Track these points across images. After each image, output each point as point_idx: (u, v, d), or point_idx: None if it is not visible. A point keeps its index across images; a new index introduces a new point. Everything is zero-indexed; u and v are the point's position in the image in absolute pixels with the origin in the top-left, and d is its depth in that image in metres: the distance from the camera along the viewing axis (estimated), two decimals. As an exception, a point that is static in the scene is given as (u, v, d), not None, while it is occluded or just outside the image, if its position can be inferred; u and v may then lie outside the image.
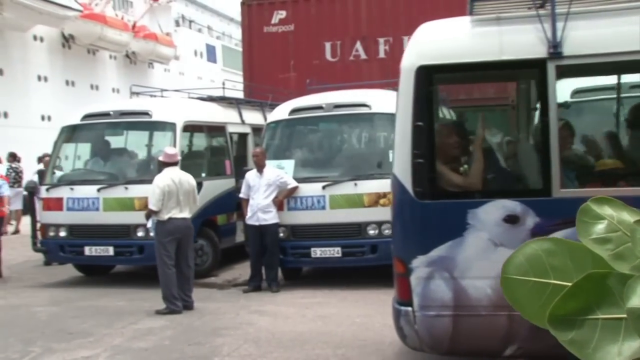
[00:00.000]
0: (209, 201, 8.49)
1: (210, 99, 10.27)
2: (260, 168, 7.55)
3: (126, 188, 7.96)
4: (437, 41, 4.16)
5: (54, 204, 8.27)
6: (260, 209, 7.47)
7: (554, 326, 0.75)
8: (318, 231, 7.51)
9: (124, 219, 7.89)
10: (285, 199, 7.54)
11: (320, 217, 7.48)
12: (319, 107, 7.99)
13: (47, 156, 10.25)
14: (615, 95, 5.34)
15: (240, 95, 13.48)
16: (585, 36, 3.85)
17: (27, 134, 19.20)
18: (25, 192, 11.14)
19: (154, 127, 8.74)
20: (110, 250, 8.04)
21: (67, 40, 23.66)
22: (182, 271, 6.72)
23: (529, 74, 4.59)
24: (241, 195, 7.77)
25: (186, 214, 6.71)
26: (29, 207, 10.49)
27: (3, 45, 20.52)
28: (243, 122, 9.79)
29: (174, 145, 7.78)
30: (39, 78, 22.36)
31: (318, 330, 5.82)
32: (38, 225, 8.66)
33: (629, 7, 3.88)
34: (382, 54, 12.92)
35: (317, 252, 7.50)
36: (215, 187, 8.73)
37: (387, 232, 7.34)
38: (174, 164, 6.79)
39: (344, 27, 12.96)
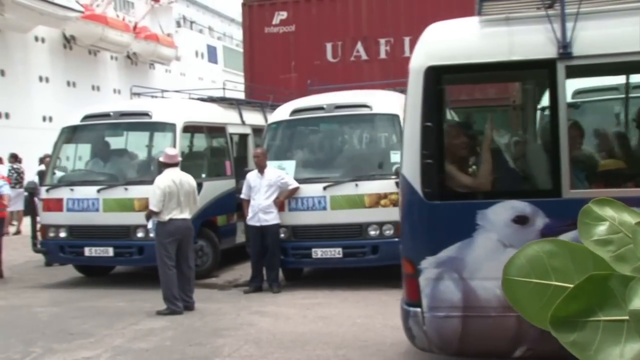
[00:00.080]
0: (209, 202, 8.49)
1: (211, 99, 10.27)
2: (261, 169, 7.55)
3: (126, 189, 7.96)
4: (446, 41, 4.14)
5: (54, 205, 8.27)
6: (261, 209, 7.46)
7: (555, 328, 0.75)
8: (319, 232, 7.51)
9: (123, 219, 7.89)
10: (286, 199, 7.54)
11: (321, 217, 7.47)
12: (320, 108, 7.99)
13: (49, 157, 10.25)
14: (624, 95, 5.33)
15: (241, 96, 13.48)
16: (595, 36, 3.84)
17: (29, 134, 19.24)
18: (26, 193, 11.14)
19: (153, 127, 8.74)
20: (110, 251, 8.04)
21: (69, 41, 23.70)
22: (182, 272, 6.72)
23: (538, 75, 4.57)
24: (242, 196, 7.77)
25: (186, 214, 6.71)
26: (29, 208, 10.50)
27: (4, 46, 20.55)
28: (243, 123, 9.79)
29: (174, 146, 7.78)
30: (40, 79, 22.39)
31: (319, 331, 5.82)
32: (38, 226, 8.67)
33: (638, 7, 3.86)
34: (383, 55, 12.92)
35: (318, 253, 7.50)
36: (215, 187, 8.73)
37: (388, 232, 7.35)
38: (175, 164, 6.79)
39: (344, 28, 12.97)
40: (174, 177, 6.67)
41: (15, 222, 13.55)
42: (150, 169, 8.18)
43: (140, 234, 7.87)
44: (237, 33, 32.16)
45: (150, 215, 6.71)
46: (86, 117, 8.67)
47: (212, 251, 8.59)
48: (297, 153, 8.10)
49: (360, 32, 12.93)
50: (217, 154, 9.38)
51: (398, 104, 8.04)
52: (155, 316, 6.53)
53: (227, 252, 9.14)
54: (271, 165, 7.64)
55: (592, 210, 0.86)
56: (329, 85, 9.84)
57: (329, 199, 7.45)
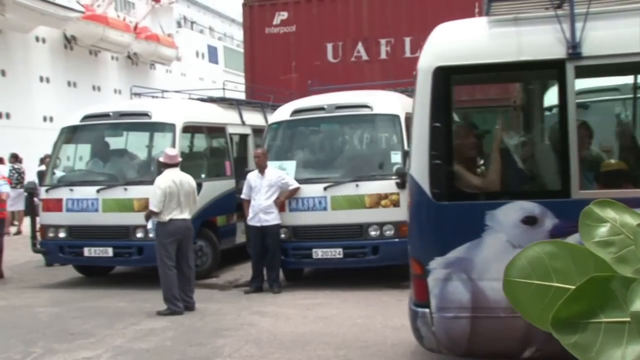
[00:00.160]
0: (209, 202, 8.48)
1: (211, 99, 10.27)
2: (261, 169, 7.55)
3: (125, 189, 7.95)
4: (455, 42, 4.13)
5: (54, 205, 8.27)
6: (262, 209, 7.46)
7: (557, 329, 0.75)
8: (319, 232, 7.51)
9: (123, 220, 7.88)
10: (286, 200, 7.54)
11: (321, 218, 7.47)
12: (321, 108, 7.99)
13: (49, 157, 10.26)
14: (632, 95, 5.32)
15: (242, 96, 13.48)
16: (604, 36, 3.82)
17: (29, 135, 19.25)
18: (26, 193, 11.15)
19: (153, 128, 8.73)
20: (110, 252, 8.03)
21: (69, 41, 23.72)
22: (182, 272, 6.72)
23: (547, 75, 4.55)
24: (242, 196, 7.77)
25: (186, 215, 6.71)
26: (28, 208, 10.50)
27: (5, 46, 20.56)
28: (243, 123, 9.78)
29: (174, 146, 7.77)
30: (41, 79, 22.41)
31: (319, 331, 5.82)
32: (38, 226, 8.67)
33: None
34: (383, 55, 12.91)
35: (318, 253, 7.49)
36: (215, 188, 8.72)
37: (388, 233, 7.35)
38: (175, 165, 6.79)
39: (345, 28, 12.96)
40: (174, 178, 6.67)
41: (16, 222, 13.55)
42: (149, 170, 8.18)
43: (139, 234, 7.87)
44: (238, 33, 32.17)
45: (149, 215, 6.71)
46: (86, 117, 8.66)
47: (211, 251, 8.58)
48: (297, 153, 8.10)
49: (361, 33, 12.93)
50: (217, 154, 9.38)
51: (399, 105, 8.04)
52: (155, 316, 6.53)
53: (227, 253, 9.14)
54: (272, 166, 7.64)
55: (593, 212, 0.86)
56: (329, 86, 9.84)
57: (330, 200, 7.45)
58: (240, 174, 8.69)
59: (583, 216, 0.86)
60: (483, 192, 4.12)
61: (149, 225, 7.13)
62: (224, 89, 11.57)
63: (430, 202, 3.92)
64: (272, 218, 7.47)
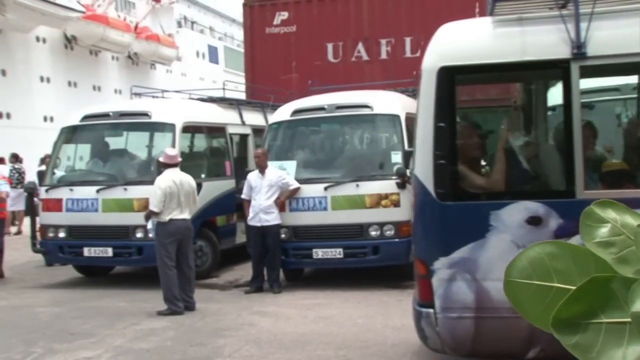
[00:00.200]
0: (209, 202, 8.48)
1: (211, 99, 10.26)
2: (262, 169, 7.55)
3: (125, 189, 7.95)
4: (459, 42, 4.12)
5: (53, 205, 8.27)
6: (262, 209, 7.46)
7: (557, 330, 0.74)
8: (320, 232, 7.51)
9: (123, 220, 7.88)
10: (287, 200, 7.54)
11: (322, 218, 7.47)
12: (321, 108, 7.99)
13: (49, 157, 10.26)
14: (637, 95, 5.31)
15: (242, 96, 13.48)
16: (609, 36, 3.81)
17: (30, 134, 19.25)
18: (25, 193, 11.15)
19: (153, 127, 8.73)
20: (109, 252, 8.03)
21: (70, 41, 23.73)
22: (183, 272, 6.72)
23: (552, 75, 4.54)
24: (243, 196, 7.77)
25: (186, 215, 6.71)
26: (28, 208, 10.50)
27: (6, 46, 20.57)
28: (243, 123, 9.78)
29: (174, 146, 7.77)
30: (42, 79, 22.42)
31: (320, 331, 5.82)
32: (37, 226, 8.67)
33: None
34: (384, 55, 12.91)
35: (318, 253, 7.49)
36: (215, 188, 8.72)
37: (388, 233, 7.34)
38: (175, 165, 6.79)
39: (345, 28, 12.96)
40: (175, 178, 6.67)
41: (17, 222, 13.56)
42: (149, 170, 8.17)
43: (139, 234, 7.86)
44: (238, 33, 32.19)
45: (149, 215, 6.71)
46: (86, 117, 8.66)
47: (211, 251, 8.58)
48: (298, 153, 8.10)
49: (361, 33, 12.93)
50: (216, 154, 9.38)
51: (399, 105, 8.04)
52: (156, 316, 6.53)
53: (228, 253, 9.14)
54: (272, 166, 7.64)
55: (594, 212, 0.86)
56: (330, 86, 9.84)
57: (330, 200, 7.45)
58: (240, 174, 8.69)
59: (584, 217, 0.86)
60: (487, 192, 4.12)
61: (149, 225, 7.13)
62: (223, 89, 11.57)
63: (435, 202, 3.91)
64: (272, 218, 7.47)
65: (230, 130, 9.42)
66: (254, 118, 10.17)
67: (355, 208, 7.38)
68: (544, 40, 3.91)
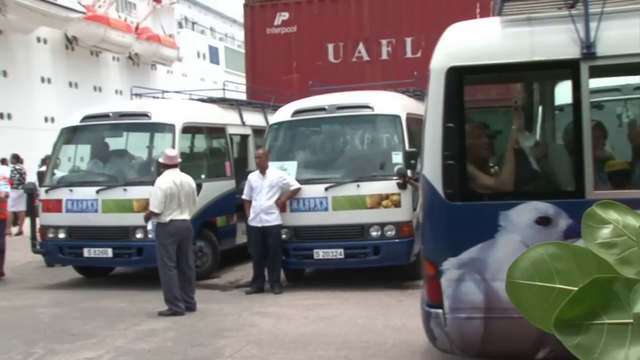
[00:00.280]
0: (209, 203, 8.47)
1: (211, 100, 10.26)
2: (262, 169, 7.55)
3: (125, 190, 7.94)
4: (468, 42, 4.10)
5: (53, 206, 8.27)
6: (263, 210, 7.46)
7: (559, 331, 0.74)
8: (320, 232, 7.51)
9: (122, 220, 7.87)
10: (287, 200, 7.54)
11: (322, 218, 7.47)
12: (322, 109, 7.99)
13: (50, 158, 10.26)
14: None
15: (243, 96, 13.48)
16: (619, 36, 3.80)
17: (31, 135, 19.27)
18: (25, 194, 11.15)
19: (153, 128, 8.72)
20: (109, 252, 8.02)
21: (71, 42, 23.75)
22: (183, 272, 6.72)
23: (561, 75, 4.52)
24: (244, 196, 7.77)
25: (186, 215, 6.71)
26: (28, 209, 10.50)
27: (7, 47, 20.60)
28: (243, 124, 9.78)
29: (173, 147, 7.76)
30: (43, 80, 22.44)
31: (320, 331, 5.82)
32: (37, 226, 8.66)
33: None
34: (384, 56, 12.91)
35: (319, 254, 7.49)
36: (215, 188, 8.71)
37: (389, 233, 7.34)
38: (174, 165, 6.78)
39: (346, 29, 12.96)
40: (175, 178, 6.67)
41: (18, 223, 13.57)
42: (149, 170, 8.17)
43: (139, 235, 7.86)
44: (239, 34, 32.20)
45: (149, 216, 6.70)
46: (85, 118, 8.66)
47: (211, 252, 8.57)
48: (298, 154, 8.10)
49: (362, 33, 12.93)
50: (216, 155, 9.37)
51: (400, 105, 8.04)
52: (156, 317, 6.53)
53: (228, 253, 9.14)
54: (273, 166, 7.64)
55: (595, 213, 0.86)
56: (330, 86, 9.84)
57: (331, 200, 7.45)
58: (240, 174, 8.68)
59: (586, 217, 0.86)
60: (496, 193, 4.11)
61: (149, 226, 7.13)
62: (223, 89, 11.56)
63: (443, 203, 3.90)
64: (273, 218, 7.47)
65: (231, 130, 9.42)
66: (254, 118, 10.17)
67: (356, 208, 7.38)
68: (553, 40, 3.89)
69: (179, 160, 6.94)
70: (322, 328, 5.94)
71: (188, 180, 6.79)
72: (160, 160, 6.89)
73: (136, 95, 10.65)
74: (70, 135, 8.87)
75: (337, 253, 7.45)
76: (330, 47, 13.07)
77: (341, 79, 11.82)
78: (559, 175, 4.34)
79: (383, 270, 7.75)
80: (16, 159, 13.97)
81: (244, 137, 9.89)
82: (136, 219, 7.49)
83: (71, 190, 8.17)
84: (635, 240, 0.81)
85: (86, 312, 6.95)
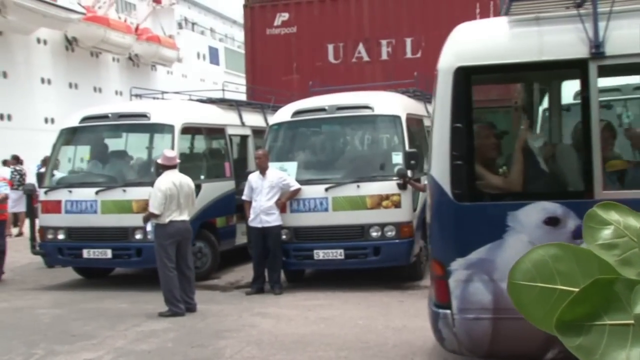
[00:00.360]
0: (208, 203, 8.46)
1: (210, 101, 10.25)
2: (262, 170, 7.55)
3: (124, 190, 7.94)
4: (476, 42, 4.09)
5: (53, 207, 8.26)
6: (263, 211, 7.46)
7: (561, 332, 0.74)
8: (321, 233, 7.51)
9: (122, 221, 7.86)
10: (287, 201, 7.54)
11: (323, 219, 7.47)
12: (322, 109, 7.99)
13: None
14: None
15: (243, 97, 13.49)
16: (627, 35, 3.78)
17: (31, 136, 19.27)
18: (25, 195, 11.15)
19: (152, 129, 8.71)
20: (109, 253, 8.01)
21: (71, 42, 23.75)
22: (183, 273, 6.72)
23: (569, 75, 4.50)
24: (244, 197, 7.77)
25: (185, 216, 6.71)
26: (28, 210, 10.50)
27: (7, 48, 20.60)
28: (243, 124, 9.77)
29: (173, 148, 7.76)
30: (43, 81, 22.44)
31: (321, 332, 5.82)
32: (37, 227, 8.66)
33: None
34: (384, 56, 12.91)
35: (319, 254, 7.49)
36: (215, 189, 8.71)
37: (389, 234, 7.34)
38: (173, 166, 6.78)
39: (346, 29, 12.96)
40: (174, 179, 6.67)
41: (19, 224, 13.57)
42: (148, 171, 8.16)
43: (138, 236, 7.85)
44: (239, 34, 32.20)
45: (148, 217, 6.70)
46: (85, 119, 8.65)
47: (211, 253, 8.57)
48: (298, 154, 8.10)
49: (362, 34, 12.93)
50: (216, 156, 9.36)
51: (400, 105, 8.05)
52: (157, 318, 6.53)
53: (228, 254, 9.13)
54: (273, 167, 7.64)
55: (597, 214, 0.86)
56: (330, 87, 9.84)
57: (331, 201, 7.45)
58: (240, 175, 8.68)
59: (587, 219, 0.86)
60: (505, 193, 4.09)
61: (148, 227, 7.12)
62: (223, 90, 11.55)
63: (451, 203, 3.89)
64: (273, 219, 7.47)
65: (230, 131, 9.41)
66: (254, 119, 10.16)
67: (356, 209, 7.38)
68: (561, 40, 3.87)
69: (178, 161, 6.94)
70: (322, 329, 5.94)
71: (187, 181, 6.79)
72: (159, 161, 6.88)
73: (135, 96, 10.65)
74: (69, 136, 8.86)
75: (337, 254, 7.45)
76: (330, 47, 13.07)
77: (341, 79, 11.82)
78: (567, 175, 4.32)
79: (383, 271, 7.75)
80: (16, 159, 13.97)
81: (244, 138, 9.88)
82: (135, 219, 7.48)
83: (70, 191, 8.16)
84: (636, 241, 0.81)
85: (86, 313, 6.95)
